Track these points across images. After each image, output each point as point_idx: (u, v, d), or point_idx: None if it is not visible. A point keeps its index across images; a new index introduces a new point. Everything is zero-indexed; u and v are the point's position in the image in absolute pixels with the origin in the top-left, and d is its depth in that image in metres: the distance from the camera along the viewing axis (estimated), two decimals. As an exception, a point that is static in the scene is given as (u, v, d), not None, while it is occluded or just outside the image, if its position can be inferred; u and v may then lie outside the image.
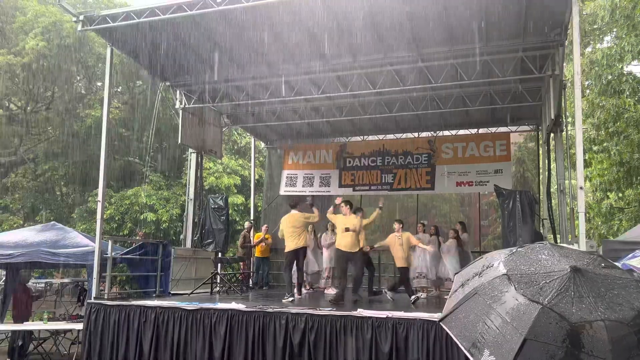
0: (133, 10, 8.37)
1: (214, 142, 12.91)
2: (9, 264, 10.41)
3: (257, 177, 15.96)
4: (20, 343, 9.88)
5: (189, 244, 11.76)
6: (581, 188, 6.57)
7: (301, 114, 12.90)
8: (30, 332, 9.87)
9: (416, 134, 13.75)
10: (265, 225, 13.02)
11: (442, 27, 8.56)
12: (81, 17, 8.55)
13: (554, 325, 2.42)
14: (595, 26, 14.54)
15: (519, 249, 2.97)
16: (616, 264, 2.87)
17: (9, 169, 20.99)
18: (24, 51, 17.24)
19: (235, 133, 20.08)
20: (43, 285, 19.08)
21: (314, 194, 14.19)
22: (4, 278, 12.48)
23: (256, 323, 7.02)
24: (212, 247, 11.14)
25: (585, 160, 12.66)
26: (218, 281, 11.09)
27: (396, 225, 9.51)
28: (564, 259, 2.73)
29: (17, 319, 10.23)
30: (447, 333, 2.86)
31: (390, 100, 11.67)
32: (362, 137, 14.34)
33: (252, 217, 14.61)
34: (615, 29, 14.01)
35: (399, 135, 13.97)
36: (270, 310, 7.07)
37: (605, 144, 13.39)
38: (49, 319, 9.66)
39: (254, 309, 7.16)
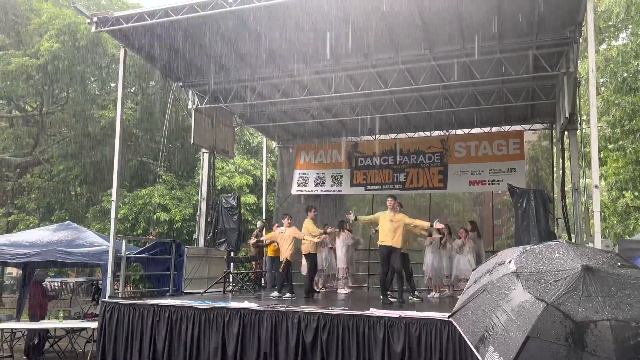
0: (146, 11, 8.43)
1: (226, 141, 12.97)
2: (25, 263, 10.59)
3: (269, 176, 16.02)
4: (36, 341, 10.03)
5: (201, 243, 11.83)
6: (596, 187, 6.49)
7: (313, 114, 12.91)
8: (46, 330, 10.01)
9: (428, 133, 13.68)
10: (277, 225, 13.04)
11: (454, 25, 8.50)
12: (95, 19, 8.63)
13: (558, 324, 2.41)
14: (610, 23, 14.36)
15: (533, 247, 2.95)
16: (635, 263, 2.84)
17: (24, 170, 21.29)
18: (39, 53, 17.45)
19: (247, 133, 20.15)
20: (58, 284, 19.35)
21: (326, 193, 14.21)
22: (21, 277, 12.67)
23: (269, 322, 7.05)
24: (225, 246, 11.19)
25: (600, 159, 12.52)
26: (231, 280, 11.14)
27: (285, 221, 10.03)
28: (577, 258, 2.70)
29: (33, 318, 10.38)
30: (460, 333, 2.88)
31: (402, 99, 11.62)
32: (373, 136, 14.29)
33: (264, 217, 14.66)
34: (630, 26, 13.83)
35: (411, 134, 13.91)
36: (282, 309, 7.09)
37: (620, 142, 13.25)
38: (64, 318, 9.79)
39: (267, 308, 7.19)
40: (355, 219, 9.26)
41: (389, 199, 8.93)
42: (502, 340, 2.47)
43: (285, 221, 10.01)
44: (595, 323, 2.38)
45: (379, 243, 8.73)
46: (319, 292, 10.79)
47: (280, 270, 9.76)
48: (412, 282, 9.75)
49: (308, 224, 9.82)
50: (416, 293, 9.54)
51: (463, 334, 2.73)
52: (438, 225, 8.65)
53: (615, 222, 14.34)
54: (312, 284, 10.06)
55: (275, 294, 9.43)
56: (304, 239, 9.69)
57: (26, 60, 17.42)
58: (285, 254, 9.70)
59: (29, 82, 18.84)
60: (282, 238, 9.81)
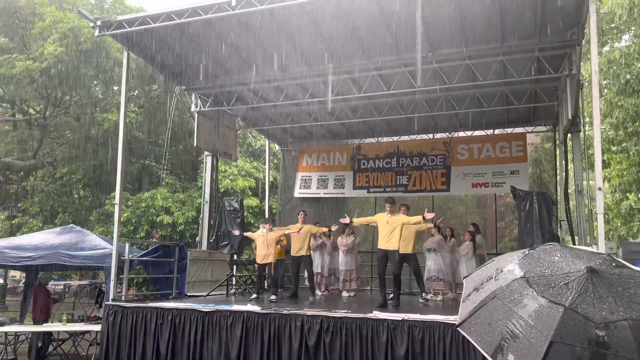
0: (149, 15, 8.45)
1: (229, 144, 12.99)
2: (29, 266, 10.60)
3: (271, 179, 16.02)
4: (40, 344, 10.04)
5: (204, 246, 11.83)
6: (600, 189, 6.47)
7: (315, 116, 12.92)
8: (50, 333, 10.02)
9: (431, 135, 13.68)
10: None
11: (457, 27, 8.51)
12: (98, 23, 8.67)
13: (579, 326, 2.39)
14: (612, 25, 14.35)
15: (530, 251, 2.94)
16: (626, 263, 2.83)
17: (28, 173, 21.35)
18: (42, 56, 17.52)
19: (250, 136, 20.19)
20: (62, 287, 19.40)
21: (329, 195, 14.21)
22: (24, 280, 12.69)
23: (272, 325, 7.04)
24: (228, 249, 11.20)
25: (603, 161, 12.51)
26: (234, 283, 11.14)
27: (267, 225, 9.88)
28: (577, 260, 2.71)
29: (37, 321, 10.38)
30: (463, 336, 2.82)
31: (405, 101, 11.62)
32: (376, 138, 14.30)
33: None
34: (633, 28, 13.82)
35: (413, 137, 13.90)
36: (285, 312, 7.08)
37: (624, 144, 13.23)
38: (68, 321, 9.79)
39: (270, 311, 7.18)
40: (351, 221, 9.14)
41: (387, 203, 8.66)
42: (524, 348, 2.43)
43: (267, 226, 9.88)
44: (615, 324, 2.38)
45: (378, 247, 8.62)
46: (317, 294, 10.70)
47: (274, 272, 9.78)
48: (422, 284, 9.71)
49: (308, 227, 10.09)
50: (424, 295, 9.52)
51: (476, 344, 2.67)
52: (428, 215, 8.40)
53: (619, 224, 14.30)
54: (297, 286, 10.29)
55: (273, 297, 9.37)
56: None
57: (30, 63, 17.48)
58: (268, 257, 9.58)
59: (32, 85, 18.92)
60: (263, 241, 9.64)
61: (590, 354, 2.33)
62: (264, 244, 9.61)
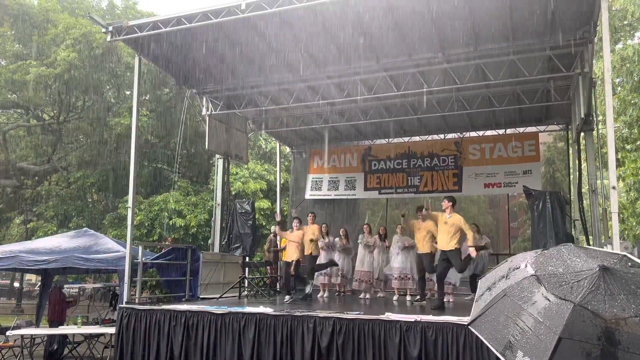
0: (159, 19, 8.53)
1: (240, 147, 13.05)
2: (45, 270, 10.74)
3: (282, 181, 16.06)
4: (55, 347, 10.16)
5: (217, 248, 11.88)
6: (614, 188, 6.41)
7: (326, 118, 12.93)
8: (65, 336, 10.13)
9: (442, 136, 13.62)
10: (291, 230, 13.05)
11: (467, 27, 8.47)
12: (110, 28, 8.76)
13: (588, 323, 2.39)
14: (625, 22, 14.20)
15: (544, 251, 2.95)
16: None
17: (43, 177, 21.63)
18: (55, 62, 17.74)
19: (261, 138, 20.25)
20: (77, 290, 19.60)
21: (340, 197, 14.21)
22: (40, 283, 12.85)
23: (284, 327, 7.05)
24: (240, 251, 11.23)
25: (617, 160, 12.36)
26: (246, 285, 11.17)
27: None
28: (591, 259, 2.71)
29: (52, 324, 10.51)
30: (477, 337, 2.83)
31: (415, 102, 11.58)
32: (387, 139, 14.28)
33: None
34: (646, 24, 13.65)
35: (424, 137, 13.85)
36: (298, 313, 7.09)
37: (638, 142, 13.07)
38: (83, 323, 9.89)
39: (282, 313, 7.19)
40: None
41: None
42: (532, 344, 2.44)
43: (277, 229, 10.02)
44: (625, 320, 2.37)
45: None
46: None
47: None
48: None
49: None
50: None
51: (486, 342, 2.68)
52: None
53: (634, 223, 14.12)
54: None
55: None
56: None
57: (43, 69, 17.72)
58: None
59: (46, 91, 19.17)
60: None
61: (600, 351, 2.33)
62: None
